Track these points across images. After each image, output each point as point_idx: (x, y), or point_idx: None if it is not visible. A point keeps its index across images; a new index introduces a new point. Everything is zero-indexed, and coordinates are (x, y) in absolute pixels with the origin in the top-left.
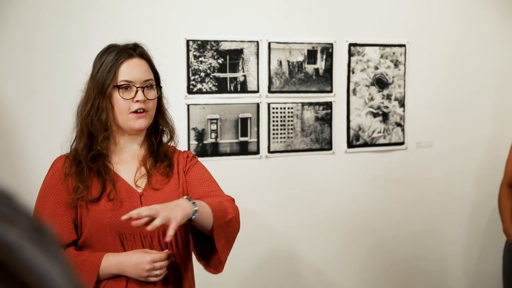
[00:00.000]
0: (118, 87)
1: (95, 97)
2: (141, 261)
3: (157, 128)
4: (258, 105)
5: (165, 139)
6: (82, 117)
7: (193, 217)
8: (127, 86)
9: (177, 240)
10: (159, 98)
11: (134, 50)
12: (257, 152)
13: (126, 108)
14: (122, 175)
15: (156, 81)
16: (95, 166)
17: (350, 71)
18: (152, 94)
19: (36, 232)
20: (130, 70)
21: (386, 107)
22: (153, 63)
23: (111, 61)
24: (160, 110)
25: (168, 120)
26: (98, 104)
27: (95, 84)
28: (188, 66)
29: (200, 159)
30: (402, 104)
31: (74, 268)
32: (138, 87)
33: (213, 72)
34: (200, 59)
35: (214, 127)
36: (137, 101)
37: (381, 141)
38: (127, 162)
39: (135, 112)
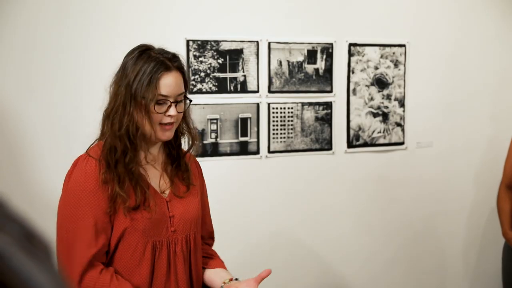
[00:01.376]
0: (156, 101)
1: (130, 106)
2: None
3: (176, 131)
4: (258, 105)
5: (182, 141)
6: (117, 125)
7: None
8: (162, 102)
9: (196, 245)
10: None
11: (172, 62)
12: (257, 152)
13: (157, 121)
14: (150, 182)
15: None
16: (131, 174)
17: (350, 71)
18: (182, 106)
19: (26, 239)
20: (168, 85)
21: (386, 107)
22: (186, 75)
23: (149, 72)
24: (184, 115)
25: (191, 126)
26: (133, 114)
27: (131, 93)
28: (188, 66)
29: (200, 159)
30: (402, 104)
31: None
32: (172, 102)
33: (213, 72)
34: (200, 59)
35: (214, 127)
36: (169, 115)
37: (381, 141)
38: (153, 169)
39: (164, 124)
